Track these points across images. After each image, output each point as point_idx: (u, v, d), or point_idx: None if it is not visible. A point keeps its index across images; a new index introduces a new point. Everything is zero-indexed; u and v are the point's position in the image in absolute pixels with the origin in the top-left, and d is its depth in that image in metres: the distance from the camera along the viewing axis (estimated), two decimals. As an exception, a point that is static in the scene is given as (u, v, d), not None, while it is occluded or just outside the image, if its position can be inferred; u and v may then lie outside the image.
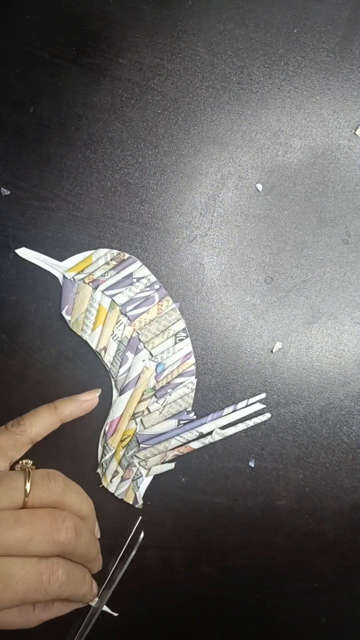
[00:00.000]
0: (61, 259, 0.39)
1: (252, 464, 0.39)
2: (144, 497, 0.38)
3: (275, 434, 0.39)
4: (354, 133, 0.40)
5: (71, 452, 0.38)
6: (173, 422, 0.37)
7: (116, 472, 0.37)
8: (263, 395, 0.38)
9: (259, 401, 0.38)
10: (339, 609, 0.39)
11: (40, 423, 0.34)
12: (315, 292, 0.40)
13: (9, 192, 0.39)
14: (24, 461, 0.32)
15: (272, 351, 0.39)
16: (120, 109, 0.39)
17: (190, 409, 0.38)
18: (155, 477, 0.38)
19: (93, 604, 0.34)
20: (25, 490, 0.29)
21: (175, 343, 0.37)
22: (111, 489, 0.38)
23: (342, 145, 0.40)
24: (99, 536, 0.36)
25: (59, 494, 0.30)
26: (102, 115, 0.39)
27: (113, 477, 0.37)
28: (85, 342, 0.38)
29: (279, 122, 0.40)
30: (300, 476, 0.39)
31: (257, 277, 0.40)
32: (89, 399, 0.36)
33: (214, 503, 0.39)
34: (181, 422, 0.38)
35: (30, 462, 0.32)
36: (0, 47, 0.39)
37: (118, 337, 0.37)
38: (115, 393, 0.38)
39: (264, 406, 0.38)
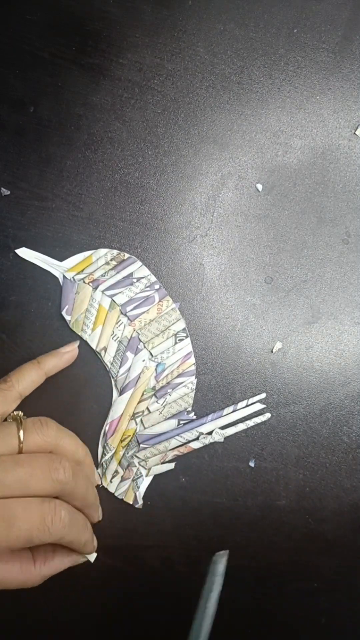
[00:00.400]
0: (61, 259, 0.39)
1: (252, 464, 0.39)
2: (144, 497, 0.38)
3: (275, 434, 0.39)
4: (354, 133, 0.40)
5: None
6: (173, 422, 0.37)
7: (116, 472, 0.37)
8: (263, 395, 0.38)
9: (259, 401, 0.38)
10: (339, 609, 0.39)
11: (26, 378, 0.35)
12: (315, 292, 0.40)
13: (9, 192, 0.39)
14: (14, 412, 0.33)
15: (272, 351, 0.39)
16: (120, 109, 0.39)
17: (190, 409, 0.38)
18: (155, 477, 0.38)
19: (92, 559, 0.34)
20: (19, 437, 0.30)
21: (175, 343, 0.37)
22: (111, 489, 0.38)
23: (342, 145, 0.40)
24: (98, 483, 0.37)
25: (52, 437, 0.31)
26: (102, 115, 0.39)
27: (113, 477, 0.37)
28: (85, 342, 0.38)
29: (279, 122, 0.40)
30: (300, 476, 0.39)
31: (257, 277, 0.40)
32: (68, 351, 0.37)
33: (214, 503, 0.39)
34: (181, 422, 0.37)
35: (21, 413, 0.33)
36: (0, 47, 0.39)
37: (118, 337, 0.37)
38: (115, 393, 0.38)
39: (264, 406, 0.38)
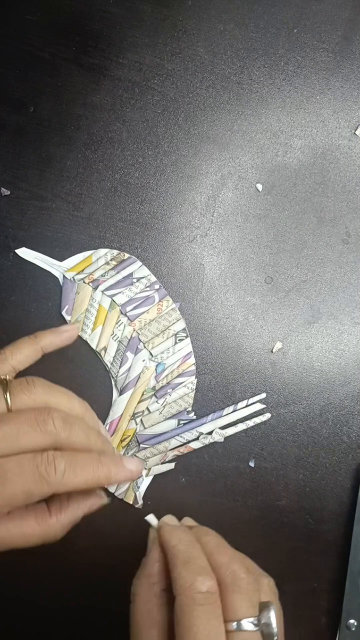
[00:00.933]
0: (61, 259, 0.39)
1: (252, 464, 0.39)
2: (144, 497, 0.38)
3: (275, 434, 0.39)
4: (354, 133, 0.40)
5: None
6: (173, 422, 0.37)
7: None
8: (263, 395, 0.38)
9: (259, 401, 0.38)
10: (339, 609, 0.39)
11: (21, 352, 0.33)
12: (315, 292, 0.40)
13: (9, 192, 0.39)
14: (1, 375, 0.32)
15: (272, 351, 0.39)
16: (120, 109, 0.39)
17: (190, 409, 0.38)
18: (155, 477, 0.38)
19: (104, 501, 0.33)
20: (6, 399, 0.29)
21: (175, 343, 0.37)
22: (111, 489, 0.37)
23: (342, 145, 0.40)
24: (106, 434, 0.35)
25: (41, 394, 0.30)
26: (102, 115, 0.39)
27: None
28: (85, 342, 0.38)
29: (279, 122, 0.40)
30: (300, 476, 0.39)
31: (257, 277, 0.40)
32: (67, 329, 0.35)
33: (214, 503, 0.39)
34: (181, 422, 0.37)
35: (8, 375, 0.32)
36: (0, 47, 0.39)
37: (118, 337, 0.37)
38: (115, 393, 0.38)
39: (264, 406, 0.38)
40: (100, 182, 0.39)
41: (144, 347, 0.37)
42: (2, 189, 0.39)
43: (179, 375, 0.38)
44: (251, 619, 0.28)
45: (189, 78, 0.40)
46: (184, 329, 0.38)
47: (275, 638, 0.29)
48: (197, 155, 0.40)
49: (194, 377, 0.38)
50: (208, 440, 0.38)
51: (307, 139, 0.40)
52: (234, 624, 0.28)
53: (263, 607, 0.29)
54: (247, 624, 0.28)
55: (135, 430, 0.37)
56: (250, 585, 0.29)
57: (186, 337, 0.37)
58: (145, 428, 0.37)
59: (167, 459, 0.38)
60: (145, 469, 0.38)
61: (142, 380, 0.37)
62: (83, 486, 0.30)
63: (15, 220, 0.39)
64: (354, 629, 0.38)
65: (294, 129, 0.40)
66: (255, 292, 0.40)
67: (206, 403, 0.39)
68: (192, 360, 0.38)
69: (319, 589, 0.39)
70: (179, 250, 0.39)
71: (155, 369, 0.37)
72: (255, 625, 0.29)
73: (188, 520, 0.34)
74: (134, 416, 0.37)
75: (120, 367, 0.37)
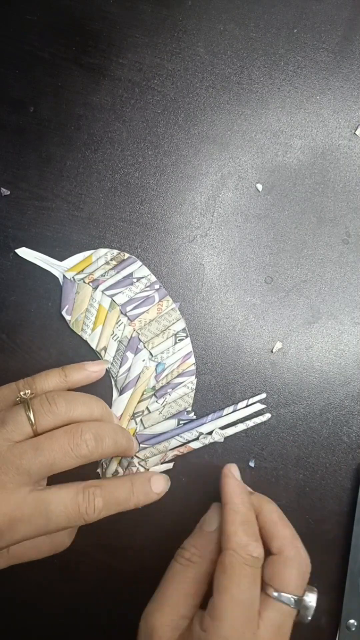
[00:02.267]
0: (61, 259, 0.39)
1: (252, 464, 0.39)
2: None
3: (275, 434, 0.39)
4: (354, 133, 0.40)
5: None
6: (173, 422, 0.37)
7: (116, 471, 0.37)
8: (263, 396, 0.38)
9: (259, 401, 0.38)
10: (339, 609, 0.38)
11: (48, 383, 0.33)
12: (315, 292, 0.40)
13: (9, 192, 0.39)
14: (21, 392, 0.32)
15: (272, 351, 0.39)
16: (120, 109, 0.39)
17: (190, 408, 0.38)
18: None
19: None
20: (29, 417, 0.30)
21: (175, 343, 0.37)
22: None
23: (342, 145, 0.40)
24: (120, 423, 0.36)
25: (63, 413, 0.30)
26: (102, 115, 0.39)
27: (115, 474, 0.37)
28: (85, 342, 0.38)
29: (279, 122, 0.40)
30: (300, 476, 0.39)
31: (257, 277, 0.40)
32: (96, 371, 0.35)
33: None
34: (181, 422, 0.38)
35: (28, 391, 0.32)
36: (0, 47, 0.39)
37: (118, 337, 0.37)
38: (115, 393, 0.38)
39: (264, 406, 0.38)
40: (100, 182, 0.39)
41: (144, 347, 0.37)
42: (2, 189, 0.39)
43: (178, 375, 0.38)
44: (295, 596, 0.30)
45: (189, 78, 0.40)
46: (184, 329, 0.38)
47: (308, 619, 0.31)
48: (197, 155, 0.40)
49: (194, 377, 0.38)
50: (208, 440, 0.38)
51: (307, 139, 0.40)
52: (276, 593, 0.29)
53: (308, 590, 0.31)
54: (289, 598, 0.30)
55: (135, 430, 0.37)
56: (308, 567, 0.32)
57: (186, 337, 0.37)
58: (145, 428, 0.37)
59: (166, 459, 0.38)
60: (145, 468, 0.38)
61: (142, 380, 0.37)
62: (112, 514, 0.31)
63: (15, 220, 0.39)
64: (354, 629, 0.38)
65: (294, 129, 0.40)
66: (255, 292, 0.40)
67: (206, 403, 0.39)
68: (192, 360, 0.38)
69: (319, 589, 0.39)
70: (179, 250, 0.39)
71: (155, 369, 0.37)
72: (296, 602, 0.30)
73: (246, 487, 0.35)
74: (133, 416, 0.37)
75: (120, 367, 0.37)
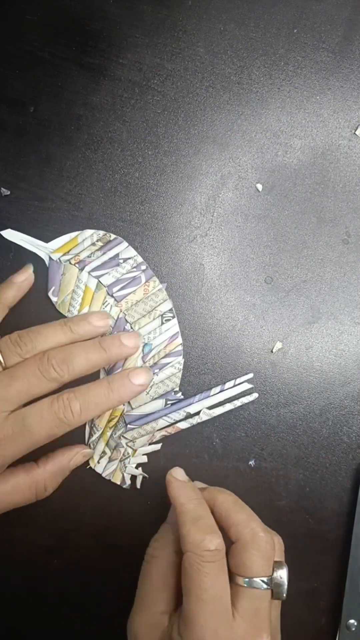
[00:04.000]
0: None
1: (252, 464, 0.39)
2: (145, 496, 0.38)
3: (275, 434, 0.39)
4: (354, 133, 0.40)
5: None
6: (160, 403, 0.37)
7: (104, 452, 0.37)
8: (250, 375, 0.38)
9: (247, 381, 0.38)
10: (339, 609, 0.39)
11: (52, 345, 0.34)
12: (315, 292, 0.40)
13: (9, 192, 0.39)
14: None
15: (272, 351, 0.39)
16: (120, 109, 0.39)
17: (177, 389, 0.38)
18: (156, 476, 0.38)
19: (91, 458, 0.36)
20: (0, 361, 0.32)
21: (162, 324, 0.37)
22: (98, 470, 0.37)
23: (342, 145, 0.40)
24: (101, 328, 0.36)
25: (30, 348, 0.33)
26: (102, 115, 0.39)
27: (101, 457, 0.37)
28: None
29: (279, 122, 0.40)
30: (300, 476, 0.39)
31: (257, 277, 0.40)
32: (24, 279, 0.37)
33: (214, 503, 0.39)
34: (169, 402, 0.37)
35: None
36: (0, 47, 0.39)
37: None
38: (102, 373, 0.38)
39: (251, 386, 0.38)
40: (100, 182, 0.39)
41: (131, 327, 0.37)
42: (2, 189, 0.39)
43: (166, 356, 0.37)
44: (264, 578, 0.29)
45: (189, 78, 0.40)
46: (171, 309, 0.38)
47: (284, 596, 0.29)
48: (197, 155, 0.40)
49: (181, 357, 0.38)
50: (196, 420, 0.37)
51: (307, 139, 0.40)
52: (245, 579, 0.29)
53: (276, 566, 0.30)
54: (258, 582, 0.29)
55: (123, 410, 0.37)
56: (268, 544, 0.31)
57: (173, 317, 0.37)
58: (132, 408, 0.37)
59: (154, 440, 0.38)
60: (133, 449, 0.38)
61: (129, 361, 0.37)
62: (99, 415, 0.34)
63: (15, 220, 0.39)
64: (354, 629, 0.38)
65: (294, 129, 0.40)
66: (255, 292, 0.40)
67: (206, 403, 0.39)
68: (179, 340, 0.38)
69: (319, 589, 0.39)
70: (179, 250, 0.39)
71: (142, 350, 0.37)
72: (267, 584, 0.29)
73: (198, 484, 0.35)
74: None
75: None
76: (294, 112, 0.40)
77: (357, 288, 0.40)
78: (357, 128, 0.40)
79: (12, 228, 0.39)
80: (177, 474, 0.33)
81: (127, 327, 0.37)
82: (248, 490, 0.39)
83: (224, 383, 0.38)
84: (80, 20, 0.39)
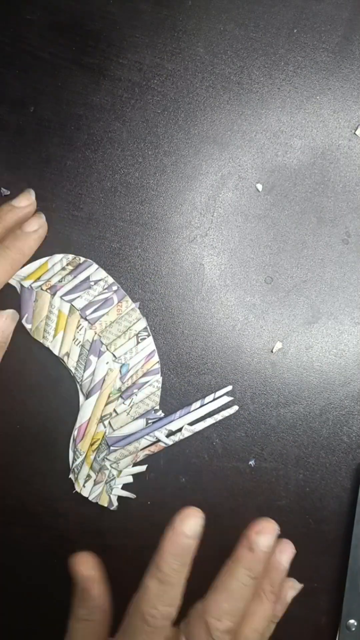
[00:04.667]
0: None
1: (252, 464, 0.39)
2: (145, 496, 0.38)
3: (275, 434, 0.39)
4: (354, 133, 0.40)
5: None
6: (141, 422, 0.37)
7: (88, 476, 0.37)
8: (229, 388, 0.38)
9: (226, 394, 0.38)
10: (339, 609, 0.39)
11: None
12: (315, 292, 0.40)
13: (9, 192, 0.39)
14: None
15: (272, 351, 0.39)
16: (120, 109, 0.39)
17: (157, 407, 0.38)
18: (156, 476, 0.38)
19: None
20: None
21: (138, 343, 0.37)
22: (85, 494, 0.37)
23: (342, 145, 0.40)
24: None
25: None
26: (102, 115, 0.39)
27: (86, 481, 0.37)
28: (48, 348, 0.38)
29: (279, 122, 0.40)
30: (300, 476, 0.39)
31: (257, 277, 0.40)
32: (25, 206, 0.37)
33: (214, 503, 0.39)
34: (149, 421, 0.37)
35: None
36: (0, 47, 0.39)
37: (80, 342, 0.37)
38: (81, 397, 0.37)
39: (231, 398, 0.38)
40: (100, 182, 0.39)
41: (107, 349, 0.37)
42: (2, 189, 0.39)
43: (143, 375, 0.37)
44: None
45: (189, 78, 0.40)
46: (145, 328, 0.37)
47: None
48: (197, 155, 0.40)
49: (159, 375, 0.38)
50: (178, 437, 0.37)
51: (307, 139, 0.40)
52: None
53: None
54: None
55: (105, 433, 0.37)
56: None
57: (148, 335, 0.37)
58: (114, 430, 0.37)
59: (138, 459, 0.37)
60: (117, 470, 0.37)
61: (107, 383, 0.37)
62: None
63: (15, 220, 0.39)
64: (354, 629, 0.38)
65: (294, 129, 0.40)
66: (255, 292, 0.40)
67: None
68: (156, 358, 0.38)
69: (319, 589, 0.39)
70: (179, 250, 0.39)
71: (120, 370, 0.37)
72: None
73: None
74: (101, 419, 0.37)
75: (84, 371, 0.37)
76: (294, 112, 0.40)
77: (357, 288, 0.40)
78: (357, 128, 0.40)
79: (12, 228, 0.38)
80: (189, 527, 0.30)
81: (103, 348, 0.37)
82: (248, 490, 0.39)
83: (204, 397, 0.38)
84: (80, 20, 0.39)
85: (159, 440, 0.37)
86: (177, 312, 0.39)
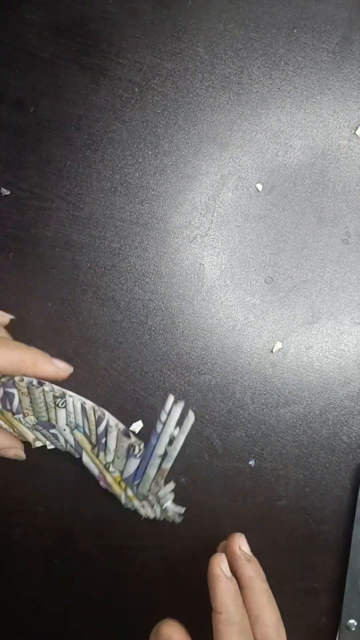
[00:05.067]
0: (61, 259, 0.38)
1: (252, 464, 0.39)
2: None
3: (275, 434, 0.39)
4: (354, 133, 0.40)
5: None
6: (134, 460, 0.36)
7: (142, 505, 0.37)
8: (171, 398, 0.34)
9: (174, 404, 0.34)
10: (339, 609, 0.39)
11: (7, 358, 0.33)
12: (315, 292, 0.40)
13: (9, 192, 0.39)
14: None
15: (272, 351, 0.39)
16: (120, 109, 0.39)
17: (134, 445, 0.36)
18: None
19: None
20: None
21: (61, 407, 0.35)
22: (152, 515, 0.37)
23: (342, 145, 0.40)
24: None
25: None
26: (102, 115, 0.39)
27: (144, 507, 0.37)
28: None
29: (279, 122, 0.40)
30: (300, 476, 0.39)
31: (257, 277, 0.40)
32: (62, 369, 0.35)
33: (214, 503, 0.39)
34: (137, 456, 0.36)
35: None
36: (0, 47, 0.39)
37: (30, 426, 0.36)
38: (77, 455, 0.37)
39: (182, 404, 0.34)
40: (100, 182, 0.39)
41: (49, 422, 0.36)
42: (2, 189, 0.39)
43: (96, 427, 0.36)
44: None
45: (189, 78, 0.40)
46: (57, 395, 0.35)
47: None
48: (197, 155, 0.40)
49: (111, 420, 0.36)
50: (169, 463, 0.36)
51: (307, 139, 0.40)
52: None
53: None
54: None
55: (121, 475, 0.37)
56: None
57: (68, 397, 0.35)
58: (122, 471, 0.37)
59: (165, 475, 0.37)
60: (155, 495, 0.37)
61: (81, 441, 0.36)
62: (8, 367, 0.32)
63: (15, 220, 0.39)
64: (354, 629, 0.38)
65: (294, 129, 0.40)
66: (255, 292, 0.40)
67: (206, 403, 0.39)
68: (90, 409, 0.36)
69: (319, 589, 0.39)
70: (179, 250, 0.39)
71: (79, 431, 0.36)
72: None
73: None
74: (106, 466, 0.37)
75: (58, 440, 0.36)
76: (294, 112, 0.40)
77: (357, 288, 0.40)
78: (357, 128, 0.40)
79: (12, 228, 0.38)
80: (224, 565, 0.31)
81: (48, 425, 0.36)
82: (248, 490, 0.39)
83: (159, 417, 0.35)
84: (80, 20, 0.39)
85: (160, 466, 0.36)
86: (177, 312, 0.39)
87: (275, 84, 0.40)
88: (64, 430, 0.36)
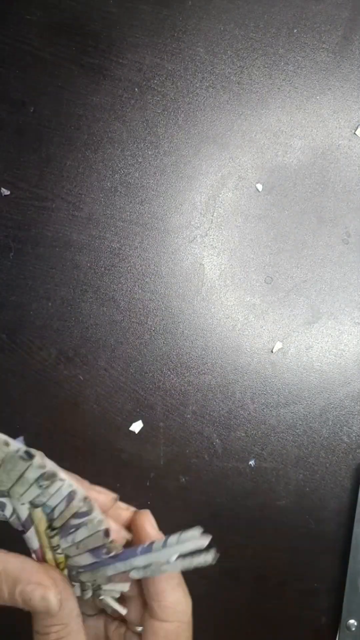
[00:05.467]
0: (60, 259, 0.39)
1: (252, 464, 0.39)
2: (144, 496, 0.38)
3: (275, 434, 0.39)
4: (354, 133, 0.40)
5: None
6: (92, 557, 0.30)
7: (72, 585, 0.30)
8: (199, 530, 0.26)
9: (198, 536, 0.26)
10: (339, 609, 0.39)
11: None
12: (315, 292, 0.40)
13: (9, 192, 0.39)
14: None
15: (272, 351, 0.39)
16: (120, 109, 0.39)
17: (107, 548, 0.29)
18: (156, 476, 0.38)
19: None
20: None
21: (43, 488, 0.29)
22: (78, 594, 0.30)
23: (342, 145, 0.40)
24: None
25: None
26: (102, 115, 0.39)
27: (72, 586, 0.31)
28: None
29: (279, 122, 0.40)
30: (300, 476, 0.39)
31: (257, 277, 0.40)
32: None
33: (214, 503, 0.39)
34: (103, 556, 0.30)
35: None
36: (0, 47, 0.39)
37: None
38: (20, 529, 0.30)
39: (202, 542, 0.25)
40: (100, 182, 0.39)
41: (8, 494, 0.30)
42: (2, 189, 0.39)
43: (72, 517, 0.29)
44: None
45: (189, 78, 0.40)
46: (42, 475, 0.28)
47: None
48: (197, 155, 0.40)
49: (92, 514, 0.29)
50: (149, 572, 0.29)
51: (307, 139, 0.40)
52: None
53: None
54: None
55: (66, 561, 0.30)
56: None
57: (58, 481, 0.28)
58: (70, 557, 0.30)
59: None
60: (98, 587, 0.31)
61: (37, 519, 0.30)
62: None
63: (15, 220, 0.39)
64: (354, 629, 0.38)
65: (294, 129, 0.40)
66: (255, 292, 0.40)
67: (206, 403, 0.39)
68: (78, 501, 0.28)
69: (319, 589, 0.39)
70: (179, 250, 0.39)
71: (43, 511, 0.30)
72: None
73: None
74: (53, 548, 0.30)
75: (4, 511, 0.30)
76: (294, 112, 0.40)
77: (357, 288, 0.40)
78: (357, 128, 0.40)
79: (12, 228, 0.39)
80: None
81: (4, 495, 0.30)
82: (248, 490, 0.39)
83: (168, 537, 0.28)
84: (80, 20, 0.39)
85: (127, 571, 0.29)
86: (177, 312, 0.39)
87: (275, 84, 0.40)
88: (22, 504, 0.30)
